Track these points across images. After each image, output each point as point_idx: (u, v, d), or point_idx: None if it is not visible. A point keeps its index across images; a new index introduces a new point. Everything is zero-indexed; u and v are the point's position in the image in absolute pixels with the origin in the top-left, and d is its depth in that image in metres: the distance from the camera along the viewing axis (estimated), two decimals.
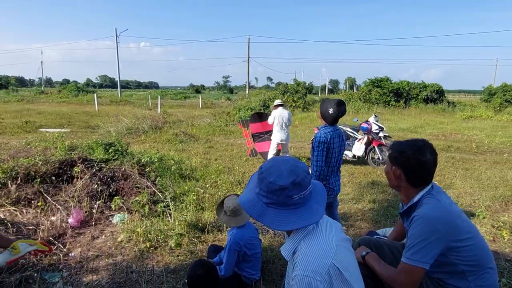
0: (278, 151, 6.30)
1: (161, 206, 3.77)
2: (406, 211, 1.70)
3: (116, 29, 35.43)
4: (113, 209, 3.92)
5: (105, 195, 4.09)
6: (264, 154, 6.77)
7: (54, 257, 2.99)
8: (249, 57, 38.01)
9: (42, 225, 3.46)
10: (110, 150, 5.12)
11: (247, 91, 36.05)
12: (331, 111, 2.79)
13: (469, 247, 1.49)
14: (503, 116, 16.20)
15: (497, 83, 29.88)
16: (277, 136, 6.05)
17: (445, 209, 1.54)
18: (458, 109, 19.66)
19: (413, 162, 1.59)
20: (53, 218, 3.67)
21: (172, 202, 3.95)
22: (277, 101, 6.27)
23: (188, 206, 3.92)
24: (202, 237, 3.38)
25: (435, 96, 21.86)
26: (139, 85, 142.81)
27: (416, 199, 1.63)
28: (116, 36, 35.59)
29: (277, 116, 6.00)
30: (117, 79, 36.76)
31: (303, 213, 1.09)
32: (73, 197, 3.97)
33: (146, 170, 4.67)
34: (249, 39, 38.04)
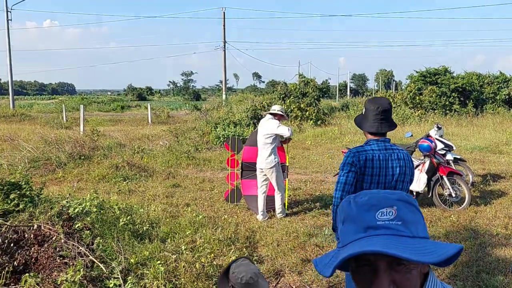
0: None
1: (113, 285, 3.65)
2: None
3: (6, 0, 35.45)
4: None
5: (7, 272, 3.96)
6: (251, 200, 6.79)
7: None
8: (225, 42, 38.73)
9: None
10: (12, 197, 5.03)
11: (223, 95, 36.36)
12: (364, 110, 2.98)
13: None
14: None
15: None
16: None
17: None
18: None
19: None
20: None
21: (125, 278, 3.87)
22: (273, 108, 6.63)
23: (152, 283, 3.86)
24: None
25: None
26: (41, 90, 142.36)
27: None
28: (7, 11, 35.69)
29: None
30: (5, 80, 36.65)
31: None
32: None
33: (76, 226, 4.62)
34: (224, 13, 38.93)
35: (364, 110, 2.97)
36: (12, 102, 35.82)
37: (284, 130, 6.27)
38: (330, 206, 6.77)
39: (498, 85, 23.21)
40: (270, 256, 4.97)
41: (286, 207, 6.72)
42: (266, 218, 6.44)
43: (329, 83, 35.54)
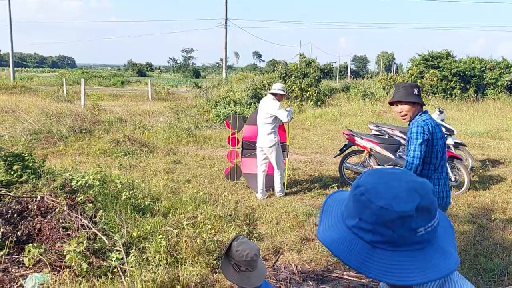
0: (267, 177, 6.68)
1: (115, 258, 3.69)
2: None
3: None
4: (27, 265, 3.79)
5: (11, 242, 4.01)
6: (251, 178, 6.85)
7: None
8: (227, 19, 38.29)
9: None
10: (15, 168, 5.07)
11: (223, 74, 36.15)
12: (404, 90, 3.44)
13: None
14: None
15: None
16: None
17: None
18: None
19: None
20: None
21: (128, 251, 3.92)
22: (274, 86, 6.54)
23: (154, 257, 3.91)
24: None
25: None
26: (41, 62, 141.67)
27: None
28: None
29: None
30: (5, 51, 36.34)
31: (433, 256, 1.06)
32: None
33: (79, 199, 4.67)
34: None
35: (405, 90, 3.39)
36: (13, 74, 35.65)
37: (282, 115, 6.20)
38: (329, 187, 6.84)
39: (500, 71, 23.05)
40: (270, 234, 5.01)
41: (285, 186, 6.76)
42: (266, 196, 6.48)
43: (333, 66, 35.05)
